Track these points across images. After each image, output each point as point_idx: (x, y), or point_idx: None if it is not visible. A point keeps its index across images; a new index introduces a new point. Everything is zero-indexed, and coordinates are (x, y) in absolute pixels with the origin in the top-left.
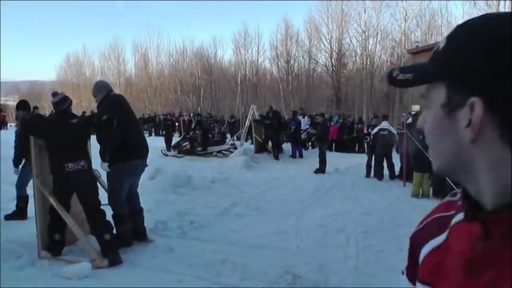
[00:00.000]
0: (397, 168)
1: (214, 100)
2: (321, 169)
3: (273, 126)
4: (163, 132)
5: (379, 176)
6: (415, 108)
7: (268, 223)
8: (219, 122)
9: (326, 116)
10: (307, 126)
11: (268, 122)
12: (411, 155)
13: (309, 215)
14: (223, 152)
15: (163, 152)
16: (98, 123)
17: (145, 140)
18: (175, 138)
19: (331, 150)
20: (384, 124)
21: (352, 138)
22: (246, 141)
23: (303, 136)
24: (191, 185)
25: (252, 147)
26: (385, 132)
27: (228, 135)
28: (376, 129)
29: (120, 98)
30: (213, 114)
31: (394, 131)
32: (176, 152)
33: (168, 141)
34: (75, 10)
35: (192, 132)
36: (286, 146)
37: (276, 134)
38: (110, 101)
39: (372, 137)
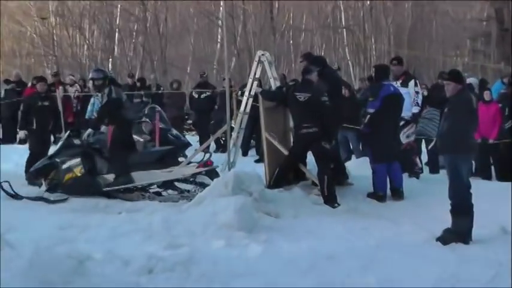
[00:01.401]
0: None
1: (155, 46)
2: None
3: (323, 108)
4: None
5: None
6: None
7: None
8: (172, 99)
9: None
10: (416, 106)
11: (309, 95)
12: None
13: None
14: (178, 186)
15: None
16: None
17: None
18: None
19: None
20: None
21: None
22: (245, 153)
23: (407, 135)
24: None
25: (263, 170)
26: None
27: (192, 138)
28: None
29: None
30: (151, 81)
31: None
32: (42, 185)
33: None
34: None
35: (89, 130)
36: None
37: (331, 131)
38: None
39: None
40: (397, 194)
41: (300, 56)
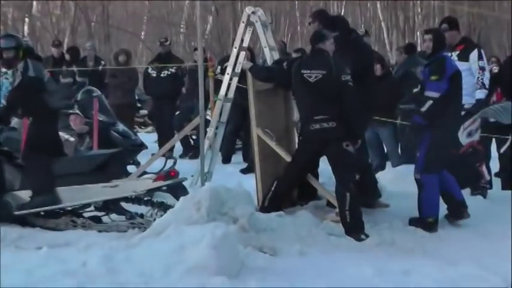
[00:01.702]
0: None
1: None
2: None
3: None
4: None
5: None
6: None
7: None
8: (118, 79)
9: None
10: (482, 89)
11: (323, 73)
12: None
13: None
14: (126, 209)
15: None
16: None
17: None
18: None
19: None
20: None
21: None
22: (226, 159)
23: (469, 132)
24: None
25: (254, 185)
26: None
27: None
28: None
29: None
30: (87, 52)
31: None
32: None
33: None
34: None
35: None
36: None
37: (356, 127)
38: None
39: None
40: (458, 210)
41: (310, 16)
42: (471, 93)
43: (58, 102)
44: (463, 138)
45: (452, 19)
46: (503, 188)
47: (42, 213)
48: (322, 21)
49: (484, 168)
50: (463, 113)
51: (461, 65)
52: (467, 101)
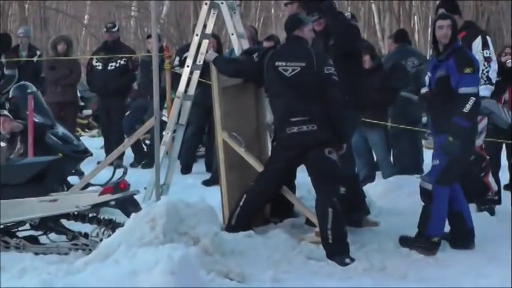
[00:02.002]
0: None
1: None
2: None
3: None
4: None
5: None
6: None
7: None
8: (57, 72)
9: None
10: (487, 85)
11: (302, 66)
12: None
13: None
14: (67, 227)
15: None
16: None
17: None
18: None
19: None
20: None
21: None
22: (186, 169)
23: None
24: None
25: (219, 199)
26: None
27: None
28: None
29: None
30: (20, 40)
31: None
32: None
33: None
34: None
35: None
36: None
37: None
38: None
39: None
40: (465, 238)
41: None
42: None
43: None
44: None
45: (451, 2)
46: None
47: None
48: (302, 1)
49: (490, 178)
50: None
51: None
52: None
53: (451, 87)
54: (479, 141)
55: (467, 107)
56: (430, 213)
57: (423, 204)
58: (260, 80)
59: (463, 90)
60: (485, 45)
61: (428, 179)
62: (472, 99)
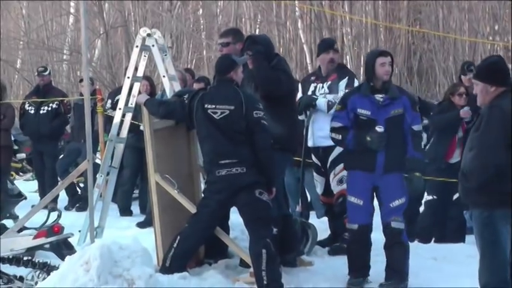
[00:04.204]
0: None
1: None
2: None
3: None
4: None
5: None
6: None
7: None
8: None
9: None
10: None
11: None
12: None
13: None
14: (2, 271)
15: None
16: None
17: None
18: None
19: None
20: None
21: None
22: (125, 210)
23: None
24: None
25: (153, 241)
26: None
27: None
28: None
29: None
30: None
31: None
32: None
33: None
34: None
35: None
36: None
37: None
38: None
39: None
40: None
41: (223, 34)
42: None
43: None
44: (333, 185)
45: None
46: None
47: None
48: (235, 40)
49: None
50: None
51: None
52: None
53: (403, 124)
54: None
55: (422, 143)
56: (406, 253)
57: (389, 243)
58: (190, 122)
59: (417, 127)
60: (349, 86)
61: (400, 219)
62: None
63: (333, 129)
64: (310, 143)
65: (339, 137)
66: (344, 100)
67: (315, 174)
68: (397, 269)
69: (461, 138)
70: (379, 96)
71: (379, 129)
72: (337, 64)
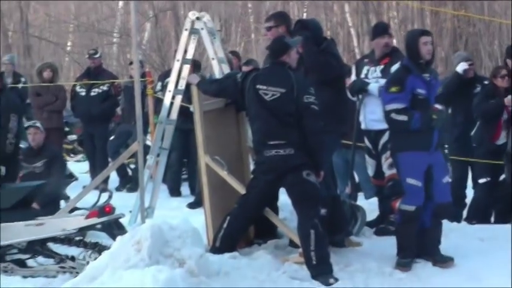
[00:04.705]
0: None
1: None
2: None
3: None
4: None
5: None
6: None
7: None
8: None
9: None
10: None
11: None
12: None
13: None
14: (54, 250)
15: None
16: None
17: None
18: None
19: None
20: None
21: None
22: (174, 191)
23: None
24: None
25: (204, 221)
26: None
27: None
28: None
29: None
30: (5, 66)
31: None
32: None
33: None
34: None
35: None
36: None
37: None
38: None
39: None
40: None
41: (267, 19)
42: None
43: None
44: (384, 168)
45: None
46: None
47: None
48: (282, 24)
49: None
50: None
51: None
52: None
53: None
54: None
55: None
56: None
57: (440, 218)
58: (242, 100)
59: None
60: None
61: (448, 197)
62: None
63: (396, 111)
64: (362, 126)
65: (405, 118)
66: (401, 81)
67: (366, 157)
68: (438, 242)
69: (506, 121)
70: (426, 76)
71: (440, 106)
72: (391, 48)
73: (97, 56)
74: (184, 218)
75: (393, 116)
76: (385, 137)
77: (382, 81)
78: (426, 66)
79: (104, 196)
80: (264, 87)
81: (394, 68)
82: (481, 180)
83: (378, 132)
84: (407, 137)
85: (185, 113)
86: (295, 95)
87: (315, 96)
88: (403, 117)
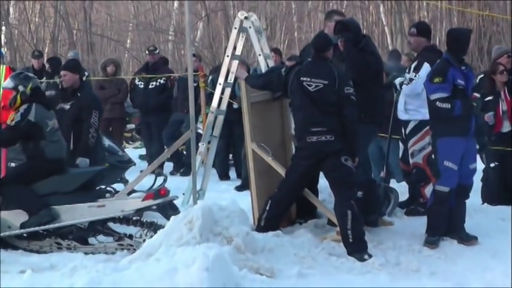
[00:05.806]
0: None
1: (74, 6)
2: None
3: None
4: None
5: None
6: None
7: None
8: (105, 90)
9: None
10: None
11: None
12: None
13: None
14: (114, 229)
15: None
16: None
17: None
18: None
19: None
20: None
21: None
22: (223, 175)
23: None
24: None
25: (250, 203)
26: None
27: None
28: None
29: None
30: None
31: None
32: None
33: None
34: None
35: None
36: None
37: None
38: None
39: None
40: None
41: (334, 14)
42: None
43: (55, 152)
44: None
45: (423, 25)
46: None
47: (25, 234)
48: (333, 23)
49: (427, 190)
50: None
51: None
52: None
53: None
54: (418, 159)
55: None
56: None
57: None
58: (285, 92)
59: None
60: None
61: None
62: None
63: (441, 100)
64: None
65: (448, 105)
66: (443, 73)
67: (400, 143)
68: (463, 221)
69: (505, 111)
70: (463, 68)
71: (478, 95)
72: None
73: (156, 52)
74: (232, 200)
75: (438, 104)
76: (409, 127)
77: (402, 78)
78: (462, 60)
79: (160, 180)
80: (308, 79)
81: (426, 64)
82: (492, 165)
83: (404, 122)
84: (447, 123)
85: (229, 106)
86: (336, 86)
87: (354, 89)
88: (446, 105)
